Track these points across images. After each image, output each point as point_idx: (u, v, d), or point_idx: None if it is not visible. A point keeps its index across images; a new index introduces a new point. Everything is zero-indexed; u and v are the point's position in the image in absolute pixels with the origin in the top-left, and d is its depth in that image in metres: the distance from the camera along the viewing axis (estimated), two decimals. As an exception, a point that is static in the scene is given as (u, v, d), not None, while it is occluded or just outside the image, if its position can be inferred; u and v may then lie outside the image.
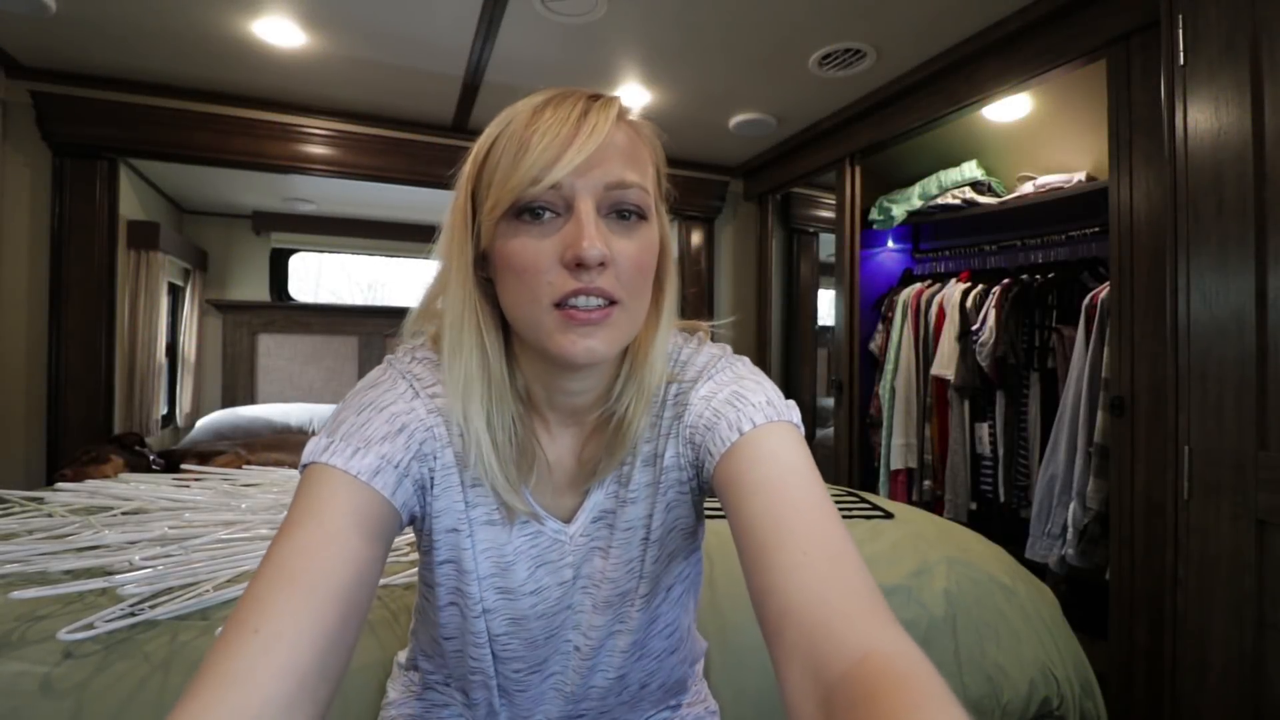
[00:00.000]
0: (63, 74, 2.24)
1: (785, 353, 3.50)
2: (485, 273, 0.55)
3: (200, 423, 2.86)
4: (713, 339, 0.67)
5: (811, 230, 3.50)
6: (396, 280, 4.39)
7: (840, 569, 0.44)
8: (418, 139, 2.72)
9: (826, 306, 3.94)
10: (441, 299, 0.56)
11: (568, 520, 0.62)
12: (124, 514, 1.50)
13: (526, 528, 0.61)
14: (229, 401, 3.19)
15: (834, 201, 3.27)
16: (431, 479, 0.57)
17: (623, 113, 0.53)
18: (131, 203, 2.56)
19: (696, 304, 3.28)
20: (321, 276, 4.16)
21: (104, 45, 2.09)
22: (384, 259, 3.73)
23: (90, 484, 1.74)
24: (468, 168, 0.54)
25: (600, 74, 2.27)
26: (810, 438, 3.52)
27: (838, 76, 2.29)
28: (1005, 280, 2.33)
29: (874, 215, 2.79)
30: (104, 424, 2.38)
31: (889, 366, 2.66)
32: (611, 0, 1.84)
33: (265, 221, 3.18)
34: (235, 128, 2.45)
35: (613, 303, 0.51)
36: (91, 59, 2.18)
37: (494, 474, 0.56)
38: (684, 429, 0.59)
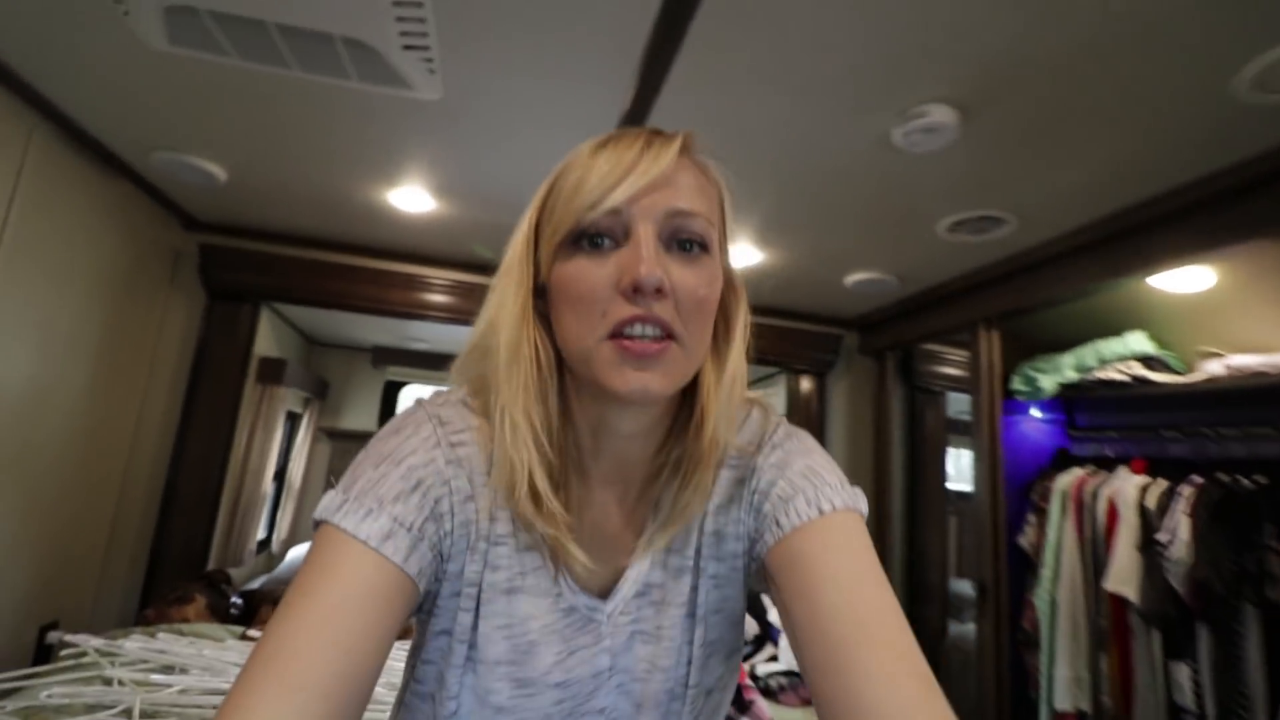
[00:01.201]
0: (225, 227, 2.51)
1: (909, 518, 3.07)
2: (542, 308, 0.53)
3: (289, 556, 2.87)
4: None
5: (937, 390, 3.18)
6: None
7: (932, 697, 0.42)
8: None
9: (957, 466, 3.51)
10: (494, 337, 0.53)
11: (603, 596, 0.55)
12: (178, 692, 1.40)
13: (559, 601, 0.53)
14: (323, 530, 3.22)
15: (964, 358, 2.97)
16: (449, 540, 0.51)
17: (688, 149, 0.52)
18: (266, 337, 2.75)
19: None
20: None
21: (262, 206, 2.32)
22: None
23: (163, 639, 1.69)
24: (532, 204, 0.54)
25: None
26: (941, 634, 2.99)
27: (970, 241, 2.11)
28: (1197, 479, 1.90)
29: (1017, 384, 2.46)
30: (201, 552, 2.41)
31: (1046, 572, 2.21)
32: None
33: (384, 356, 3.35)
34: (364, 277, 2.61)
35: (670, 336, 0.48)
36: (250, 216, 2.43)
37: (532, 509, 0.50)
38: (750, 495, 0.55)
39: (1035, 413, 2.66)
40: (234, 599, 2.16)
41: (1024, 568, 2.36)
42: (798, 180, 1.82)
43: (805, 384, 3.07)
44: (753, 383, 3.79)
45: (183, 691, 1.39)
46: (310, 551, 0.46)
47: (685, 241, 0.49)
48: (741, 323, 0.55)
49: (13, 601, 1.92)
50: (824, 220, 2.08)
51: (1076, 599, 2.12)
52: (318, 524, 0.48)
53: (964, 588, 3.36)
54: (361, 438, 3.41)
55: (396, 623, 0.46)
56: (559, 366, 0.53)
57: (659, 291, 0.46)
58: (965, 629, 3.08)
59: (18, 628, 1.97)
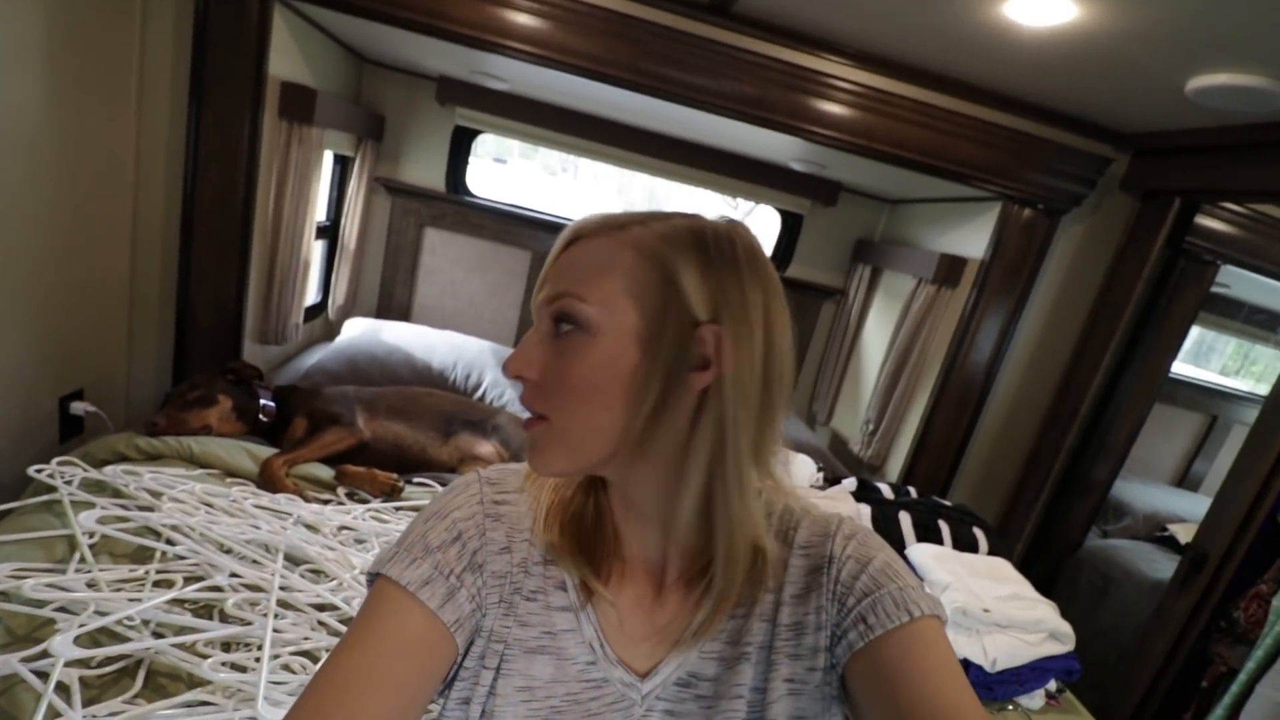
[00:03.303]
0: None
1: (1101, 397, 2.32)
2: None
3: (341, 336, 2.50)
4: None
5: (1209, 259, 2.20)
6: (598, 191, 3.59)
7: None
8: (657, 21, 1.84)
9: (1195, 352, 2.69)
10: None
11: (642, 675, 0.52)
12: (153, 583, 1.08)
13: (591, 670, 0.51)
14: (384, 299, 2.81)
15: (1255, 218, 1.99)
16: (485, 593, 0.51)
17: (605, 229, 0.49)
18: (292, 54, 2.01)
19: (986, 303, 2.20)
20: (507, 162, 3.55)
21: None
22: (587, 162, 2.94)
23: (150, 480, 1.36)
24: None
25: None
26: (1076, 544, 2.50)
27: None
28: None
29: None
30: (234, 328, 2.04)
31: (1317, 571, 1.57)
32: None
33: (450, 91, 2.52)
34: (414, -29, 1.73)
35: (542, 417, 0.49)
36: None
37: (550, 548, 0.53)
38: (831, 584, 0.51)
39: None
40: (265, 400, 1.83)
41: (1272, 548, 1.73)
42: None
43: (1026, 217, 2.14)
44: (939, 201, 2.73)
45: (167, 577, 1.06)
46: (364, 604, 0.47)
47: (560, 323, 0.49)
48: (747, 409, 0.47)
49: (22, 367, 1.61)
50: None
51: (1348, 618, 1.51)
52: (372, 578, 0.49)
53: (1132, 494, 2.78)
54: (426, 196, 2.79)
55: (432, 677, 0.46)
56: None
57: (520, 378, 0.49)
58: (1108, 545, 2.59)
59: (36, 398, 1.71)
